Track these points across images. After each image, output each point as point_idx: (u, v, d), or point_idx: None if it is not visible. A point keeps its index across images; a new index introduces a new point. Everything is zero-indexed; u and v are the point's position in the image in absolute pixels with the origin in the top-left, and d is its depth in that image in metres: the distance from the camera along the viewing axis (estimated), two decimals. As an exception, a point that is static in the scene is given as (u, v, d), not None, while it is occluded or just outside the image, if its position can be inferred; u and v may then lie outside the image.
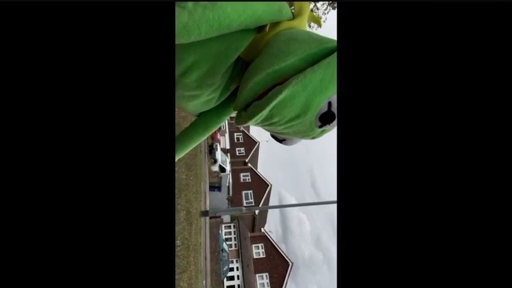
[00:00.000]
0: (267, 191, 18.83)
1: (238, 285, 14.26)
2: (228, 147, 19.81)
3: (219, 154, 14.49)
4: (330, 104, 0.47)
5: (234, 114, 0.66)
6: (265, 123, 0.53)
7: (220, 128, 18.47)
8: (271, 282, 15.35)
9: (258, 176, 19.69)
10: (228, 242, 14.86)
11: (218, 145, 15.03)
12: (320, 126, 0.51)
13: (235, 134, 22.95)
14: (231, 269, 14.21)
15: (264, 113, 0.48)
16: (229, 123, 21.83)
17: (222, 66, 0.54)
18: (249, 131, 24.20)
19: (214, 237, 11.96)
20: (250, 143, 22.73)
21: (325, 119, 0.49)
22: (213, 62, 0.53)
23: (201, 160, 9.82)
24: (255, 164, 22.61)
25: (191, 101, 0.63)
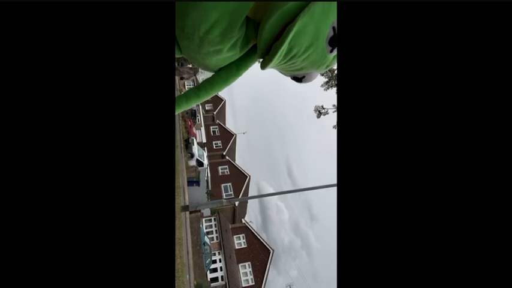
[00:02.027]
0: (245, 183, 18.98)
1: (222, 277, 14.42)
2: (204, 141, 19.53)
3: (195, 148, 14.26)
4: (334, 28, 0.58)
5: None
6: (286, 59, 0.63)
7: (195, 122, 18.10)
8: (254, 271, 15.71)
9: (237, 168, 19.73)
10: (209, 235, 14.86)
11: (194, 139, 14.77)
12: (331, 51, 0.62)
13: (211, 127, 22.64)
14: (214, 261, 14.29)
15: (285, 47, 0.59)
16: (204, 117, 21.47)
17: (238, 21, 0.66)
18: (225, 124, 24.01)
19: (196, 231, 11.88)
20: (227, 136, 22.60)
21: (333, 42, 0.60)
22: (231, 18, 0.65)
23: (178, 155, 9.63)
24: (233, 157, 22.58)
25: (215, 56, 0.75)
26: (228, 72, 0.82)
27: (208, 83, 0.84)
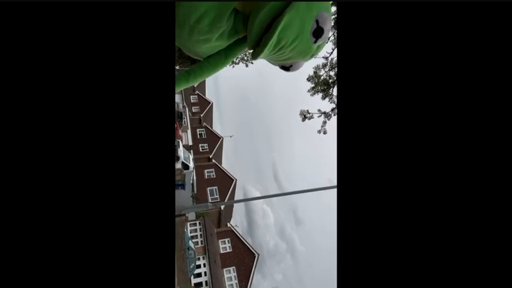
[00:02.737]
0: (232, 186, 18.86)
1: (206, 282, 14.17)
2: (190, 143, 19.28)
3: (181, 151, 14.03)
4: (317, 21, 0.65)
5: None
6: (275, 50, 0.69)
7: (181, 124, 17.85)
8: (239, 275, 15.56)
9: (223, 172, 19.58)
10: (194, 240, 14.60)
11: (180, 142, 14.54)
12: (315, 42, 0.69)
13: (197, 129, 22.39)
14: (198, 266, 14.05)
15: (274, 39, 0.65)
16: (190, 119, 21.21)
17: (225, 12, 0.71)
18: (211, 127, 23.82)
19: (180, 236, 11.64)
20: (214, 139, 22.42)
21: (316, 33, 0.67)
22: (218, 9, 0.70)
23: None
24: (219, 160, 22.42)
25: (204, 44, 0.80)
26: (217, 59, 0.87)
27: (198, 68, 0.88)
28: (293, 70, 0.80)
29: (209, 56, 0.88)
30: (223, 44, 0.83)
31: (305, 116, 6.17)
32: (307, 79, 6.34)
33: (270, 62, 0.80)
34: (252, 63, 7.76)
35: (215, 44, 0.81)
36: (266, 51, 0.67)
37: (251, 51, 0.77)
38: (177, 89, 0.89)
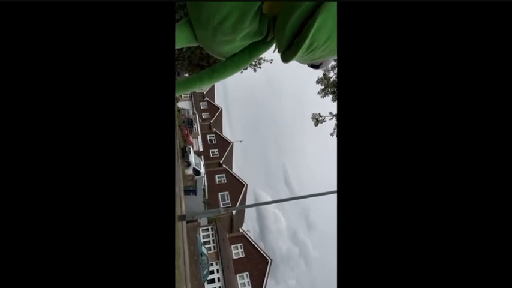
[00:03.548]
0: (243, 191, 18.87)
1: (220, 287, 14.12)
2: (201, 149, 19.47)
3: (192, 157, 14.20)
4: None
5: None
6: (308, 51, 0.68)
7: (192, 131, 18.09)
8: (252, 281, 15.44)
9: (234, 177, 19.64)
10: (206, 245, 14.63)
11: (191, 148, 14.73)
12: None
13: (208, 135, 22.63)
14: (211, 272, 14.03)
15: (307, 42, 0.63)
16: (201, 126, 21.48)
17: (248, 14, 0.71)
18: (221, 132, 24.01)
19: (193, 241, 11.70)
20: (224, 144, 22.58)
21: None
22: (242, 11, 0.71)
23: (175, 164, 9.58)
24: (230, 165, 22.51)
25: (228, 45, 0.82)
26: (241, 58, 0.87)
27: (222, 66, 0.89)
28: (322, 68, 0.79)
29: (233, 55, 0.88)
30: (247, 44, 0.83)
31: (317, 119, 6.12)
32: (317, 81, 6.30)
33: (299, 62, 0.79)
34: (260, 68, 7.79)
35: (239, 43, 0.81)
36: (299, 54, 0.66)
37: (279, 53, 0.76)
38: (202, 86, 0.91)
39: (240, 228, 18.38)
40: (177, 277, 5.27)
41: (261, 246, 16.99)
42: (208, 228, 15.69)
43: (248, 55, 0.87)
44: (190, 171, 13.80)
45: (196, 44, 0.92)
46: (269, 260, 16.12)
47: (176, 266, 5.67)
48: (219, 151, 22.00)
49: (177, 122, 14.39)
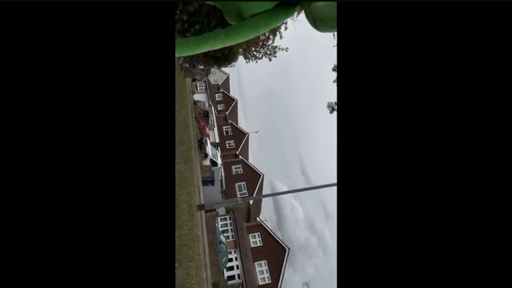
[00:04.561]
0: (259, 181, 19.04)
1: (238, 275, 14.55)
2: (217, 141, 19.74)
3: (209, 148, 14.45)
4: None
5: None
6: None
7: (208, 123, 18.33)
8: (270, 269, 15.74)
9: (250, 167, 19.82)
10: (225, 234, 15.02)
11: (208, 139, 14.98)
12: None
13: (223, 127, 22.84)
14: (230, 260, 14.45)
15: None
16: (216, 117, 21.70)
17: None
18: (237, 123, 24.15)
19: (211, 230, 12.05)
20: (240, 136, 22.73)
21: None
22: None
23: (192, 156, 9.84)
24: (246, 156, 22.70)
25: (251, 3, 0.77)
26: (260, 18, 0.82)
27: (240, 25, 0.84)
28: None
29: (253, 15, 0.82)
30: (271, 6, 0.79)
31: (333, 108, 6.01)
32: (333, 69, 6.15)
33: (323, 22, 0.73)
34: (275, 57, 7.66)
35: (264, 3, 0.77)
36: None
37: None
38: (215, 45, 0.83)
39: (257, 218, 18.66)
40: (197, 263, 5.50)
41: (278, 235, 17.20)
42: (226, 218, 16.07)
43: (268, 18, 0.81)
44: (207, 162, 14.09)
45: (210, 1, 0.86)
46: (287, 249, 16.32)
47: (197, 253, 5.90)
48: (235, 142, 22.20)
49: (193, 114, 14.60)
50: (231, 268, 14.53)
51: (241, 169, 19.73)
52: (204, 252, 8.92)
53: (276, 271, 15.69)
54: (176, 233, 4.31)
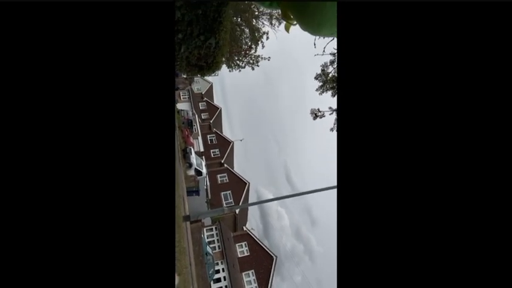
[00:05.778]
0: (245, 190, 18.91)
1: (226, 286, 14.20)
2: (202, 150, 19.49)
3: (193, 158, 14.22)
4: None
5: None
6: None
7: (192, 131, 18.10)
8: (258, 278, 15.51)
9: (235, 176, 19.68)
10: (211, 245, 14.69)
11: (192, 149, 14.75)
12: None
13: (208, 136, 22.64)
14: (217, 271, 14.11)
15: None
16: (200, 126, 21.49)
17: None
18: (222, 132, 24.04)
19: (197, 241, 11.75)
20: (224, 144, 22.59)
21: None
22: None
23: (176, 165, 9.64)
24: (231, 164, 22.55)
25: None
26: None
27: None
28: None
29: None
30: None
31: (316, 114, 6.14)
32: (315, 77, 6.31)
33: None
34: (258, 66, 7.78)
35: None
36: None
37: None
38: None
39: (243, 227, 18.44)
40: (184, 276, 5.32)
41: (265, 244, 17.04)
42: (212, 228, 15.74)
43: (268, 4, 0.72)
44: (192, 172, 13.83)
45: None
46: (274, 257, 16.18)
47: (184, 266, 5.72)
48: (220, 151, 22.03)
49: (176, 124, 14.39)
50: (218, 280, 14.16)
51: (226, 178, 19.54)
52: (191, 264, 8.66)
53: (264, 280, 15.47)
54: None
